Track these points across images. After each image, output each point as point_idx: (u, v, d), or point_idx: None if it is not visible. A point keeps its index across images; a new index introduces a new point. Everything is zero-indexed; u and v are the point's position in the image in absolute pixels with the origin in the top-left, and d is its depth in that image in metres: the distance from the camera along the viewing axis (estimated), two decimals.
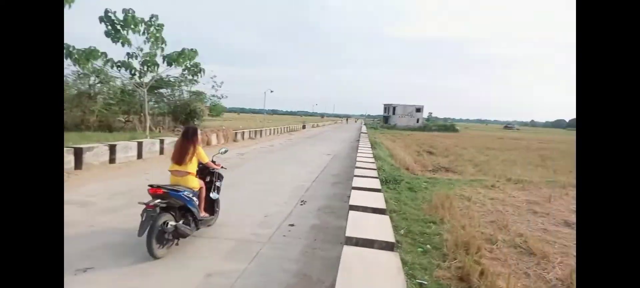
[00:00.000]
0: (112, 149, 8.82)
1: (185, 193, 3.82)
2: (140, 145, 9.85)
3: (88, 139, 11.34)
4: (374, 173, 7.73)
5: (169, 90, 24.41)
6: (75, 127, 15.82)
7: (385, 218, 4.74)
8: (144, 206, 3.51)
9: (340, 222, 5.55)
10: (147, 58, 10.78)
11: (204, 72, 11.82)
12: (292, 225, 5.37)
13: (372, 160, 10.59)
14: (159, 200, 3.56)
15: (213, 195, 4.47)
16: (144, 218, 3.47)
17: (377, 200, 5.71)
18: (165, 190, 3.62)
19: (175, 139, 11.56)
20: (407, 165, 13.32)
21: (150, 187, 3.63)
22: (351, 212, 4.80)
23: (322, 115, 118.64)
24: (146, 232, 3.42)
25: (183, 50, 11.14)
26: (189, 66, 11.50)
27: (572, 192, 9.82)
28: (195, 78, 14.59)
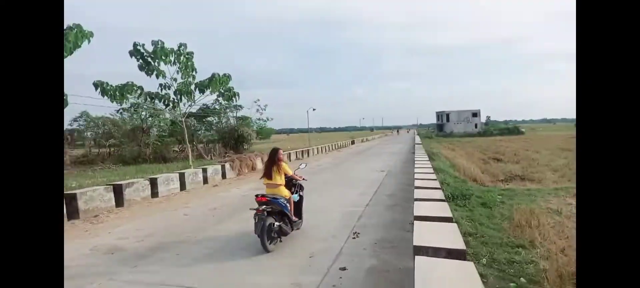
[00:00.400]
0: (153, 183, 8.59)
1: (281, 200, 4.75)
2: (182, 176, 9.58)
3: (144, 171, 11.62)
4: (438, 193, 6.43)
5: (216, 118, 25.33)
6: (133, 160, 16.71)
7: (458, 242, 3.69)
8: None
9: (404, 262, 4.46)
10: (182, 87, 10.77)
11: (238, 97, 11.64)
12: (343, 269, 4.22)
13: (432, 173, 9.46)
14: (265, 206, 4.55)
15: (295, 197, 5.25)
16: (256, 221, 4.49)
17: (447, 227, 4.53)
18: (268, 198, 4.63)
19: (219, 165, 11.57)
20: (474, 176, 11.94)
21: (256, 196, 4.67)
22: (418, 257, 3.61)
23: (371, 129, 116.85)
24: (260, 231, 4.44)
25: (213, 75, 11.01)
26: (223, 91, 11.34)
27: None
28: (230, 103, 14.52)
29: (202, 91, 11.06)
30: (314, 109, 30.42)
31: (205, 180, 10.56)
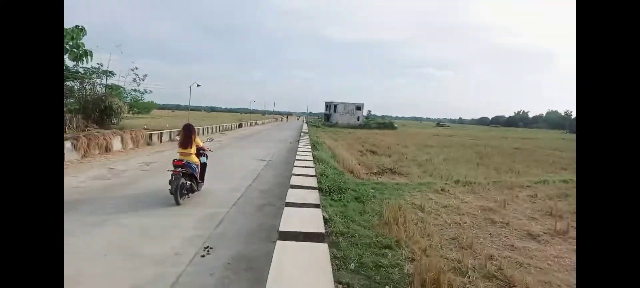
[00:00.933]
0: None
1: (193, 165, 6.13)
2: None
3: None
4: (314, 192, 6.18)
5: (77, 84, 20.78)
6: None
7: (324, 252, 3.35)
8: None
9: None
10: None
11: (91, 57, 9.42)
12: None
13: (312, 167, 9.20)
14: (180, 169, 5.86)
15: (203, 159, 6.70)
16: (172, 179, 5.75)
17: (316, 222, 4.27)
18: (183, 162, 5.94)
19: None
20: (352, 168, 12.22)
21: (174, 160, 5.94)
22: (279, 243, 3.33)
23: (263, 113, 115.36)
24: (174, 189, 5.69)
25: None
26: (69, 47, 9.04)
27: (522, 193, 9.45)
28: (78, 64, 11.83)
29: None
30: (198, 85, 27.70)
31: None
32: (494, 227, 6.53)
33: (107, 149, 10.78)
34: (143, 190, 6.98)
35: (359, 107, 77.55)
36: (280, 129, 37.45)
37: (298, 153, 11.46)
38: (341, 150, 18.31)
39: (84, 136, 9.82)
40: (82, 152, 9.76)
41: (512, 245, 5.60)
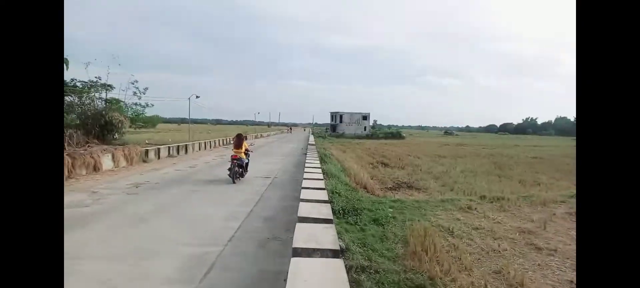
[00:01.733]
0: None
1: (243, 160, 9.97)
2: None
3: None
4: (326, 208, 5.40)
5: (76, 98, 20.18)
6: None
7: None
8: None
9: None
10: None
11: (67, 66, 8.82)
12: None
13: (322, 182, 8.34)
14: (236, 161, 9.70)
15: (246, 160, 10.48)
16: (231, 167, 9.71)
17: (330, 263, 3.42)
18: (238, 156, 9.80)
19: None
20: (365, 183, 11.34)
21: (232, 155, 9.82)
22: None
23: (268, 125, 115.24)
24: (232, 173, 9.53)
25: None
26: None
27: (559, 211, 8.44)
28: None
29: None
30: (197, 96, 26.33)
31: None
32: (540, 255, 5.57)
33: (95, 169, 9.98)
34: (121, 220, 6.13)
35: (366, 117, 76.75)
36: (286, 140, 36.66)
37: (306, 168, 10.61)
38: (351, 162, 17.45)
39: (67, 155, 8.99)
40: (66, 172, 8.93)
41: (571, 281, 4.63)
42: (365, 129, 74.23)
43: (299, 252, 3.36)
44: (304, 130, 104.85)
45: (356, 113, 76.74)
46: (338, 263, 2.99)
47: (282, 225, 6.11)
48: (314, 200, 5.79)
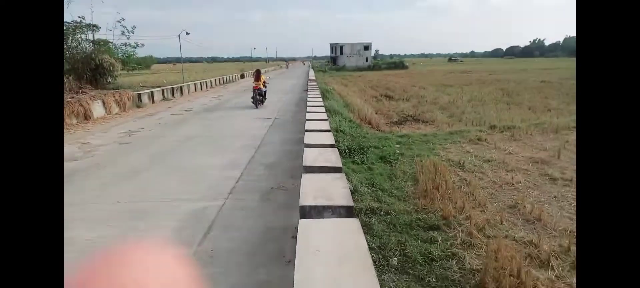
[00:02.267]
0: None
1: (263, 89, 13.19)
2: None
3: None
4: (335, 155, 5.12)
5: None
6: None
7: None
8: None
9: None
10: None
11: None
12: None
13: (327, 122, 8.03)
14: (257, 90, 12.95)
15: (264, 89, 13.34)
16: (253, 95, 13.06)
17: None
18: (258, 87, 12.94)
19: None
20: (369, 118, 11.04)
21: (253, 86, 13.05)
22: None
23: (266, 60, 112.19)
24: (254, 100, 12.96)
25: None
26: None
27: (572, 137, 8.19)
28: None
29: None
30: (187, 33, 24.70)
31: None
32: (555, 187, 5.41)
33: (86, 117, 9.63)
34: (117, 173, 5.93)
35: (367, 47, 74.19)
36: (285, 77, 35.70)
37: (308, 105, 10.25)
38: (354, 97, 17.02)
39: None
40: None
41: None
42: (366, 60, 72.17)
43: (308, 212, 3.11)
44: (304, 64, 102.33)
45: (357, 43, 74.04)
46: (354, 225, 2.74)
47: (286, 173, 5.93)
48: (320, 145, 5.50)
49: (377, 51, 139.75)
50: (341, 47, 73.63)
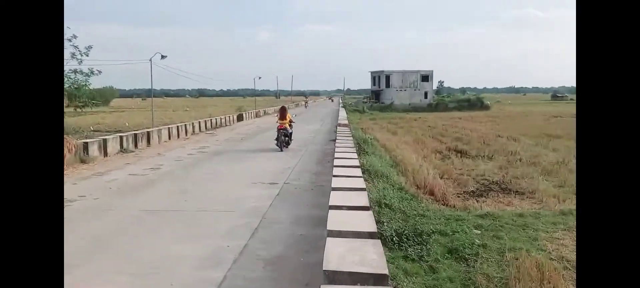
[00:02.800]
0: None
1: (288, 130, 17.89)
2: None
3: None
4: (375, 250, 4.85)
5: None
6: None
7: None
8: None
9: None
10: None
11: None
12: None
13: (363, 192, 7.91)
14: (282, 130, 17.49)
15: (290, 130, 18.06)
16: (278, 136, 17.43)
17: None
18: (284, 126, 17.54)
19: None
20: (431, 186, 10.86)
21: (279, 125, 17.54)
22: None
23: (277, 95, 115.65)
24: (278, 141, 17.53)
25: None
26: None
27: None
28: None
29: None
30: (162, 56, 24.51)
31: None
32: None
33: None
34: None
35: (426, 77, 75.69)
36: (304, 119, 36.00)
37: (335, 167, 10.15)
38: (407, 151, 17.08)
39: None
40: None
41: None
42: (425, 96, 73.23)
43: None
44: (331, 100, 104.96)
45: (411, 71, 75.77)
46: None
47: (296, 279, 5.71)
48: (352, 233, 5.30)
49: (441, 83, 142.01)
50: (387, 77, 75.36)
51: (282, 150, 16.62)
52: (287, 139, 17.20)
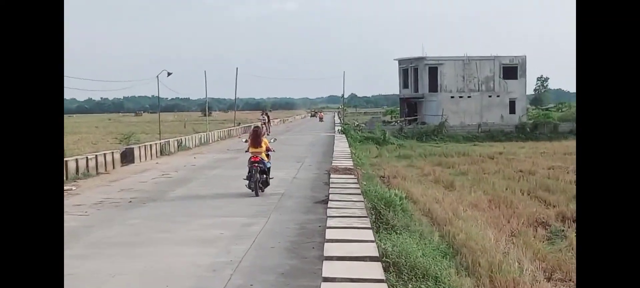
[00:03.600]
0: None
1: (265, 162, 24.79)
2: None
3: None
4: None
5: None
6: None
7: None
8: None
9: None
10: None
11: None
12: None
13: None
14: (257, 163, 23.82)
15: (268, 164, 24.66)
16: (249, 173, 23.57)
17: None
18: (258, 158, 23.84)
19: None
20: None
21: (252, 156, 24.06)
22: None
23: (205, 110, 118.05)
24: (250, 178, 23.94)
25: None
26: None
27: None
28: None
29: None
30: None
31: None
32: None
33: None
34: None
35: (512, 70, 76.14)
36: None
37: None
38: (476, 222, 16.89)
39: None
40: None
41: None
42: (512, 108, 73.77)
43: None
44: (320, 119, 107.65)
45: (481, 58, 76.30)
46: None
47: None
48: None
49: (542, 82, 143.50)
50: (433, 72, 75.47)
51: (258, 195, 20.31)
52: (263, 177, 20.68)
